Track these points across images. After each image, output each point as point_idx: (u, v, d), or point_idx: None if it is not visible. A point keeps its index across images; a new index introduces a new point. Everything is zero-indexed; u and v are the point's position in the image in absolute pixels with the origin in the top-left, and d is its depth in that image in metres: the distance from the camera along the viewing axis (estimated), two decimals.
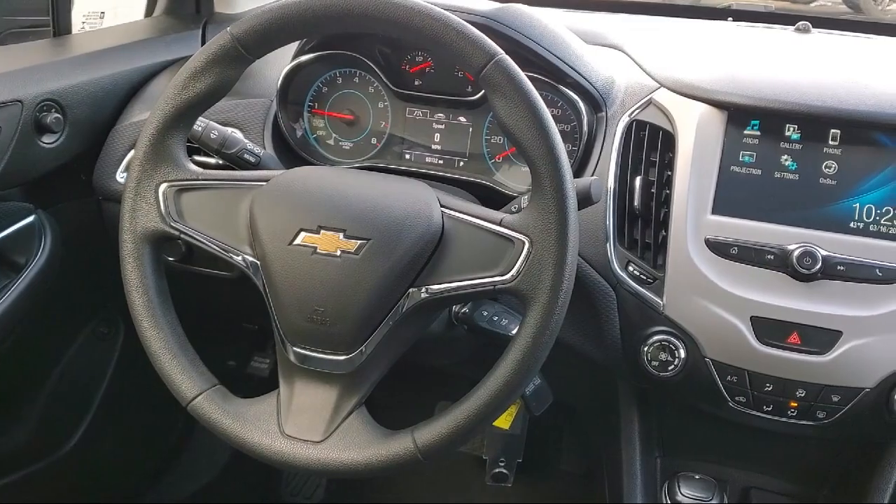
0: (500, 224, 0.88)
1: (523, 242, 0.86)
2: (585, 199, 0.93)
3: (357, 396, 0.92)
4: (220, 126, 1.10)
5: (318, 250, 0.89)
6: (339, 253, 0.88)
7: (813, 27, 1.33)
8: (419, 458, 0.86)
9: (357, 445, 0.88)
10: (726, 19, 1.45)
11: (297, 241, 0.90)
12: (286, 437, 0.90)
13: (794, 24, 1.33)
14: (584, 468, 1.51)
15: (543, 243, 0.84)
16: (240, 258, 0.93)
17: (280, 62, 1.23)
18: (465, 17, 0.91)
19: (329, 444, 0.89)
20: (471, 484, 1.24)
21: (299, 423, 0.91)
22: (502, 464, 1.15)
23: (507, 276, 0.86)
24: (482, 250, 0.88)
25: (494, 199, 1.14)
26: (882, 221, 0.98)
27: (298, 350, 0.91)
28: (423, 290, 0.89)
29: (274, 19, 0.89)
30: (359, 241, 0.88)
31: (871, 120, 0.99)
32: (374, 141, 1.24)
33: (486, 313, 1.07)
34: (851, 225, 0.99)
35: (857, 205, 0.99)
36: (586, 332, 1.10)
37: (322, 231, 0.89)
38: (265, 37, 0.91)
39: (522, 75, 0.85)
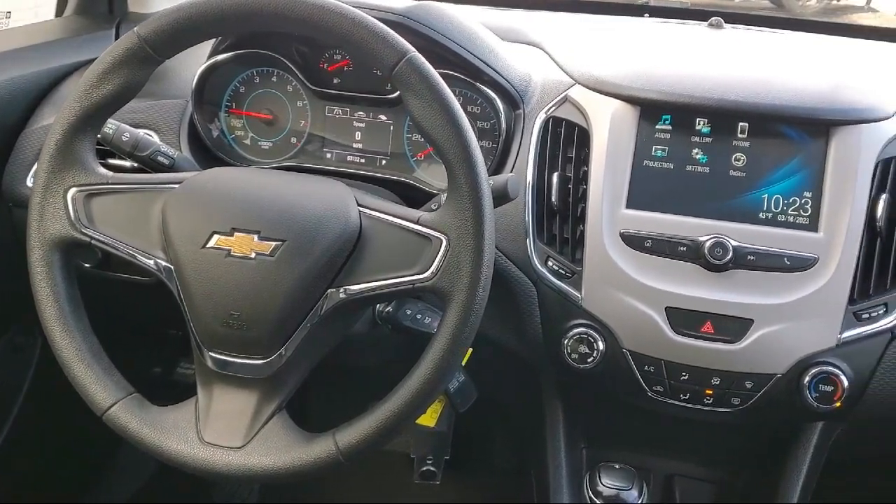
0: (417, 222, 0.88)
1: (441, 240, 0.86)
2: (502, 196, 0.94)
3: (277, 400, 0.91)
4: (131, 128, 1.07)
5: (231, 253, 0.87)
6: (253, 255, 0.87)
7: (726, 23, 1.36)
8: (341, 459, 0.85)
9: (278, 450, 0.87)
10: (643, 15, 1.48)
11: (211, 244, 0.88)
12: (205, 444, 0.89)
13: (707, 20, 1.36)
14: (514, 463, 1.53)
15: (460, 241, 0.85)
16: (152, 263, 0.91)
17: (195, 62, 1.20)
18: (378, 15, 0.90)
19: (249, 449, 0.88)
20: (403, 481, 1.24)
21: (218, 429, 0.89)
22: (430, 462, 1.15)
23: (426, 275, 0.86)
24: (400, 249, 0.88)
25: (417, 197, 1.14)
26: (789, 211, 1.02)
27: (215, 355, 0.90)
28: (342, 290, 0.88)
29: (182, 19, 0.87)
30: (274, 243, 0.87)
31: (778, 113, 1.02)
32: (293, 140, 1.23)
33: (409, 312, 1.07)
34: (760, 215, 1.02)
35: (766, 196, 1.02)
36: (509, 327, 1.11)
37: (236, 233, 0.88)
38: (173, 37, 0.89)
39: (435, 73, 0.86)
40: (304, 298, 0.88)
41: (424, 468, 1.16)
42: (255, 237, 0.87)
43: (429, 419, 1.13)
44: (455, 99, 0.86)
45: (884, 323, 0.99)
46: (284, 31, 0.95)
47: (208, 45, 1.21)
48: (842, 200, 0.99)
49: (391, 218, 0.89)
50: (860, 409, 1.02)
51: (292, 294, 0.87)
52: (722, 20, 1.34)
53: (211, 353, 0.90)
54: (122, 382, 0.93)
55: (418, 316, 1.06)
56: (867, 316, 0.99)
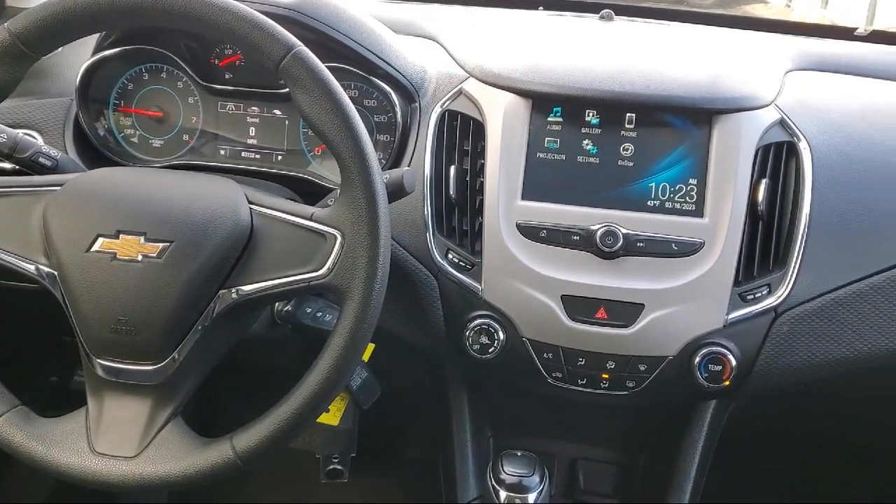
0: (310, 219, 0.87)
1: (335, 237, 0.85)
2: (399, 191, 0.94)
3: (172, 406, 0.89)
4: (9, 129, 1.02)
5: (117, 256, 0.85)
6: (140, 258, 0.84)
7: (616, 15, 1.39)
8: (239, 464, 0.84)
9: (173, 457, 0.86)
10: (537, 8, 1.50)
11: (95, 247, 0.85)
12: (97, 454, 0.86)
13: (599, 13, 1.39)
14: (423, 455, 1.53)
15: (355, 236, 0.84)
16: (34, 269, 0.88)
17: (79, 58, 1.16)
18: (263, 9, 0.89)
19: (144, 458, 0.86)
20: (312, 480, 1.23)
21: (111, 438, 0.87)
22: (336, 460, 1.15)
23: (321, 272, 0.85)
24: (294, 247, 0.87)
25: (315, 192, 1.13)
26: (676, 199, 1.05)
27: (105, 363, 0.87)
28: (234, 291, 0.87)
29: (56, 14, 0.84)
30: (161, 245, 0.85)
31: (662, 103, 1.05)
32: (185, 138, 1.20)
33: (309, 310, 1.06)
34: (649, 203, 1.05)
35: (654, 184, 1.05)
36: (411, 320, 1.11)
37: (121, 235, 0.85)
38: (48, 33, 0.85)
39: (323, 67, 0.85)
40: (195, 300, 0.86)
41: (331, 467, 1.15)
42: (142, 239, 0.85)
43: (332, 418, 1.12)
44: (344, 93, 0.85)
45: (767, 303, 1.03)
46: (165, 27, 0.93)
47: (92, 41, 1.16)
48: (725, 186, 1.03)
49: (283, 215, 0.88)
50: (748, 386, 1.06)
51: (182, 296, 0.85)
52: (612, 13, 1.37)
53: (100, 361, 0.87)
54: (7, 395, 0.89)
55: (318, 314, 1.05)
56: (752, 297, 1.03)
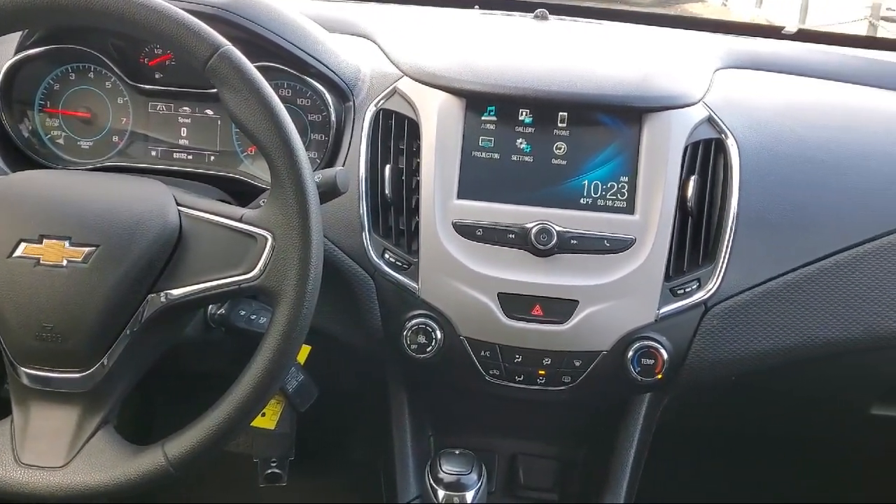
0: (240, 220, 0.86)
1: (266, 238, 0.85)
2: (332, 190, 0.93)
3: (101, 414, 0.87)
4: None
5: (41, 261, 0.83)
6: (65, 263, 0.82)
7: (551, 14, 1.40)
8: (171, 471, 0.83)
9: (103, 466, 0.84)
10: (473, 7, 1.50)
11: (18, 252, 0.83)
12: (23, 465, 0.84)
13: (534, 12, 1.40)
14: (365, 456, 1.53)
15: (286, 238, 0.84)
16: None
17: (1, 58, 1.13)
18: (190, 7, 0.88)
19: (72, 468, 0.84)
20: (251, 484, 1.22)
21: (37, 449, 0.85)
22: (274, 464, 1.14)
23: (252, 274, 0.84)
24: (224, 249, 0.86)
25: (249, 193, 1.11)
26: (608, 196, 1.06)
27: (30, 371, 0.85)
28: (163, 295, 0.85)
29: None
30: (86, 249, 0.83)
31: (593, 102, 1.06)
32: (115, 139, 1.17)
33: (243, 313, 1.05)
34: (581, 201, 1.06)
35: (586, 182, 1.07)
36: (348, 321, 1.11)
37: (45, 240, 0.83)
38: None
39: (251, 67, 0.84)
40: (123, 305, 0.84)
41: (269, 471, 1.14)
42: (66, 243, 0.83)
43: (268, 422, 1.11)
44: (273, 92, 0.84)
45: (697, 297, 1.05)
46: (88, 25, 0.90)
47: (13, 40, 1.13)
48: (655, 183, 1.04)
49: (213, 216, 0.87)
50: (681, 379, 1.09)
51: (109, 301, 0.83)
52: (547, 12, 1.38)
53: (25, 369, 0.85)
54: None
55: (253, 316, 1.04)
56: (682, 291, 1.05)
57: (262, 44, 1.08)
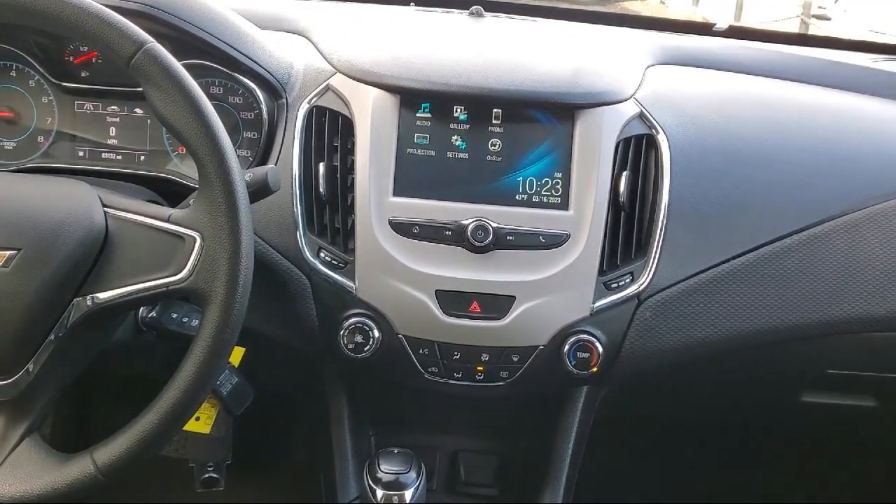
0: (168, 221, 0.85)
1: (194, 238, 0.83)
2: (263, 189, 0.92)
3: (27, 422, 0.84)
4: None
5: None
6: None
7: (486, 11, 1.40)
8: (101, 478, 0.81)
9: (29, 475, 0.82)
10: (408, 4, 1.50)
11: None
12: None
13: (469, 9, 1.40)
14: (305, 457, 1.52)
15: (215, 238, 0.82)
16: None
17: None
18: (115, 4, 0.86)
19: None
20: (189, 489, 1.20)
21: None
22: (210, 468, 1.12)
23: (181, 276, 0.83)
24: (151, 250, 0.84)
25: (182, 193, 1.09)
26: (542, 192, 1.07)
27: None
28: (90, 299, 0.83)
29: None
30: (7, 253, 0.80)
31: (527, 98, 1.07)
32: (40, 139, 1.14)
33: (175, 315, 1.03)
34: (517, 197, 1.07)
35: (521, 178, 1.07)
36: (284, 321, 1.09)
37: None
38: None
39: (175, 64, 0.82)
40: (48, 310, 0.82)
41: (206, 475, 1.12)
42: None
43: (203, 426, 1.09)
44: (199, 89, 0.83)
45: (630, 290, 1.07)
46: (11, 23, 0.88)
47: None
48: (588, 179, 1.05)
49: (139, 217, 0.85)
50: (616, 371, 1.10)
51: (33, 306, 0.81)
52: (482, 9, 1.38)
53: None
54: None
55: (185, 319, 1.02)
56: (616, 285, 1.07)
57: (191, 41, 1.06)
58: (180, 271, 0.83)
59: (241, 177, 0.84)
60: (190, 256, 0.82)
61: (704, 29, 1.59)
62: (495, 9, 1.45)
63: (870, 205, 1.13)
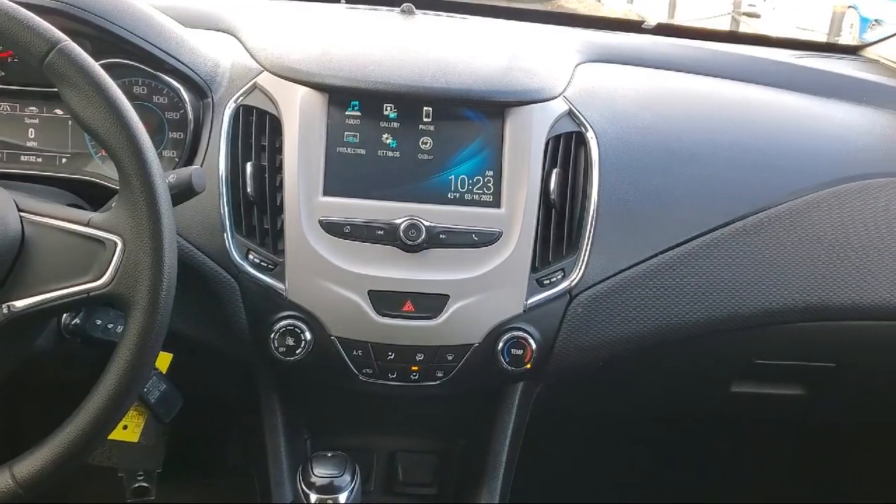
0: (87, 225, 0.82)
1: (115, 243, 0.81)
2: (187, 190, 0.90)
3: None
4: None
5: None
6: None
7: (418, 9, 1.40)
8: (20, 492, 0.78)
9: None
10: (339, 1, 1.48)
11: None
12: None
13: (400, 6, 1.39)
14: (240, 463, 1.49)
15: (137, 242, 0.80)
16: None
17: None
18: (29, 1, 0.82)
19: None
20: (120, 499, 1.17)
21: None
22: (141, 477, 1.09)
23: (101, 281, 0.80)
24: (70, 255, 0.82)
25: (106, 196, 1.06)
26: (474, 190, 1.07)
27: None
28: (6, 307, 0.80)
29: None
30: None
31: (456, 97, 1.06)
32: None
33: (99, 322, 1.00)
34: (449, 196, 1.06)
35: (453, 176, 1.07)
36: (213, 325, 1.07)
37: None
38: None
39: (91, 63, 0.80)
40: None
41: (136, 485, 1.10)
42: None
43: (131, 434, 1.06)
44: (118, 89, 0.81)
45: (562, 287, 1.07)
46: None
47: None
48: (519, 177, 1.06)
49: (58, 222, 0.82)
50: (550, 367, 1.11)
51: None
52: (413, 6, 1.37)
53: None
54: None
55: (110, 325, 0.99)
56: (548, 282, 1.07)
57: (111, 39, 1.03)
58: (101, 277, 0.80)
59: (163, 178, 0.82)
60: (111, 261, 0.80)
61: (633, 27, 1.61)
62: (426, 6, 1.45)
63: (793, 199, 1.16)
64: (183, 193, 0.90)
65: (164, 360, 1.06)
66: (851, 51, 1.72)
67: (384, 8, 1.42)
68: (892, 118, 1.35)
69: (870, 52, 1.67)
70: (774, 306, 1.14)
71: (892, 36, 1.66)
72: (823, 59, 1.60)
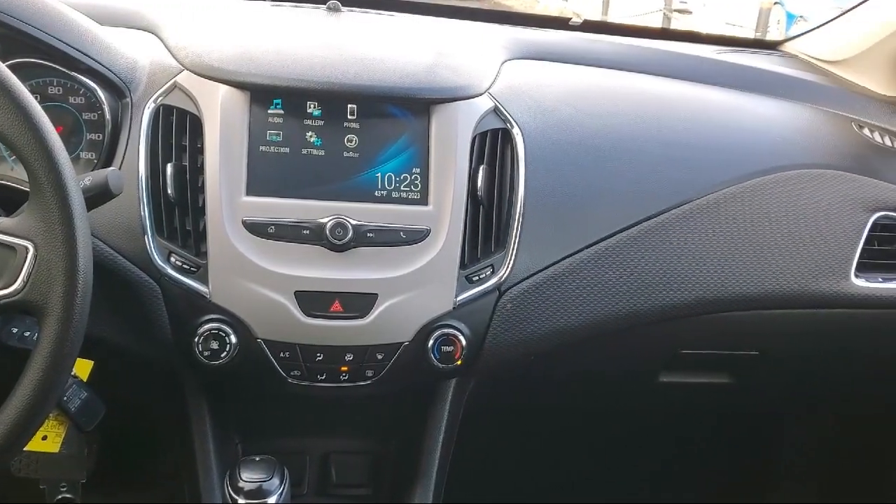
0: None
1: (26, 248, 0.78)
2: (104, 192, 0.88)
3: None
4: None
5: None
6: None
7: (345, 6, 1.38)
8: None
9: None
10: None
11: None
12: None
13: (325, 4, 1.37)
14: (172, 468, 1.46)
15: (49, 247, 0.77)
16: None
17: None
18: None
19: None
20: None
21: None
22: (64, 488, 1.06)
23: (13, 288, 0.78)
24: None
25: (22, 201, 1.02)
26: (402, 188, 1.06)
27: None
28: None
29: None
30: None
31: (381, 94, 1.06)
32: None
33: (15, 330, 0.97)
34: (376, 193, 1.06)
35: (380, 174, 1.06)
36: (135, 330, 1.05)
37: None
38: None
39: None
40: None
41: (60, 496, 1.06)
42: None
43: (52, 445, 1.03)
44: (24, 89, 0.78)
45: (491, 283, 1.08)
46: None
47: None
48: (446, 174, 1.06)
49: None
50: (481, 363, 1.11)
51: None
52: (339, 3, 1.36)
53: None
54: None
55: (26, 333, 0.96)
56: (477, 278, 1.07)
57: (23, 38, 0.99)
58: (12, 284, 0.77)
59: (76, 181, 0.80)
60: (22, 267, 0.77)
61: (561, 24, 1.62)
62: (353, 3, 1.44)
63: (715, 191, 1.19)
64: (99, 196, 0.87)
65: (84, 368, 1.03)
66: (772, 46, 1.77)
67: (310, 5, 1.40)
68: (809, 111, 1.39)
69: (789, 48, 1.72)
70: (698, 297, 1.16)
71: (809, 32, 1.71)
72: (745, 54, 1.64)
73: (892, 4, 1.42)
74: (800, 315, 1.24)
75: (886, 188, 1.27)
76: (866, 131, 1.39)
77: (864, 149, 1.35)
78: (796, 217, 1.21)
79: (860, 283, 1.24)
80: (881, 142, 1.38)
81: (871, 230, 1.25)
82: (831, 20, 1.63)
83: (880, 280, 1.26)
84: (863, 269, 1.24)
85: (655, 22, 8.07)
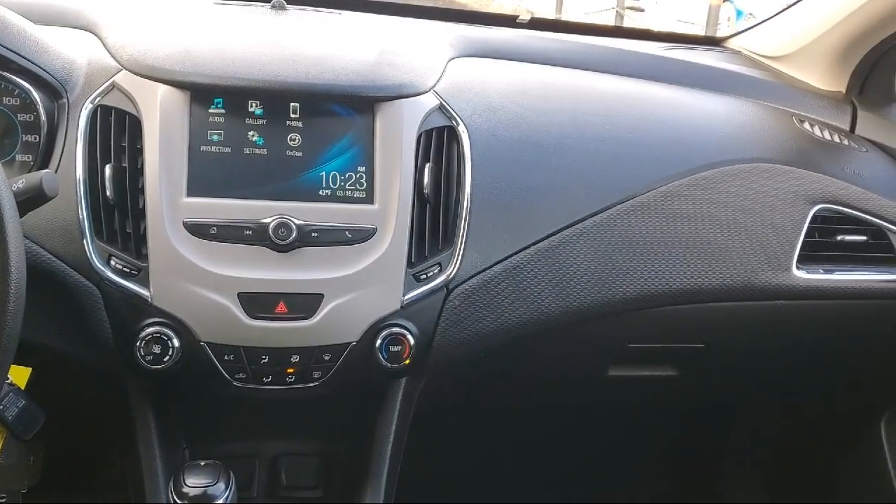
0: None
1: None
2: (39, 196, 0.86)
3: None
4: None
5: None
6: None
7: (289, 4, 1.37)
8: None
9: None
10: None
11: None
12: None
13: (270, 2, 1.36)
14: (118, 475, 1.44)
15: None
16: None
17: None
18: None
19: None
20: None
21: None
22: (3, 498, 1.04)
23: None
24: None
25: None
26: (346, 187, 1.06)
27: None
28: None
29: None
30: None
31: (323, 92, 1.05)
32: None
33: None
34: (321, 193, 1.05)
35: (324, 173, 1.05)
36: (75, 335, 1.02)
37: None
38: None
39: None
40: None
41: None
42: None
43: None
44: None
45: (439, 281, 1.07)
46: None
47: None
48: (391, 172, 1.05)
49: None
50: (430, 362, 1.11)
51: None
52: (284, 2, 1.35)
53: None
54: None
55: None
56: (425, 276, 1.07)
57: None
58: None
59: (6, 184, 0.78)
60: None
61: (509, 21, 1.63)
62: (298, 1, 1.42)
63: (659, 186, 1.20)
64: (33, 199, 0.85)
65: (21, 375, 1.01)
66: (718, 43, 1.79)
67: (255, 3, 1.38)
68: (751, 106, 1.41)
69: (733, 44, 1.74)
70: (644, 291, 1.17)
71: (752, 28, 1.73)
72: (690, 50, 1.66)
73: (828, 1, 1.45)
74: (743, 308, 1.26)
75: (826, 181, 1.30)
76: (806, 125, 1.41)
77: (805, 142, 1.37)
78: (739, 211, 1.23)
79: (801, 274, 1.26)
80: (820, 135, 1.41)
81: (811, 222, 1.27)
82: (772, 16, 1.65)
83: (821, 272, 1.28)
84: (804, 261, 1.26)
85: (608, 20, 8.15)
